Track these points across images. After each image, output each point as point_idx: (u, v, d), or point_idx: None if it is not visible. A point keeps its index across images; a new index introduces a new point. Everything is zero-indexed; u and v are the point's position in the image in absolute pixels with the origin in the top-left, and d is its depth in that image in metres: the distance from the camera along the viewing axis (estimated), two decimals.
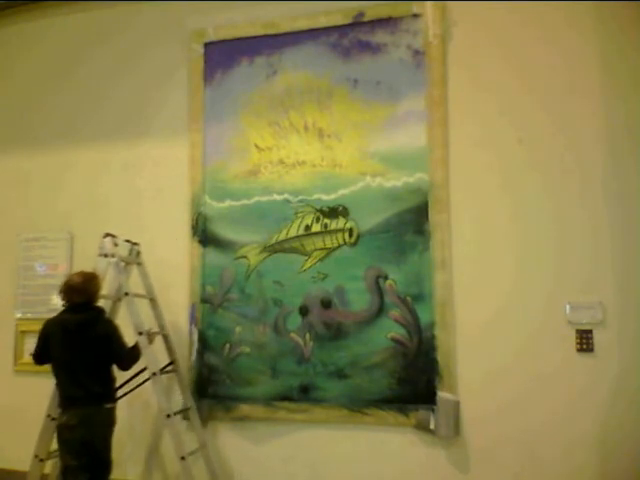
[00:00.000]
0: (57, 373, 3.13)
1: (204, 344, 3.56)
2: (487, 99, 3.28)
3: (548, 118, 3.18)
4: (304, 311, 3.42)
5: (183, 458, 3.13)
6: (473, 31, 3.34)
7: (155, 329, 3.41)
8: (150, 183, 3.84)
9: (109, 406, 3.13)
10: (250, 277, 3.54)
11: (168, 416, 3.17)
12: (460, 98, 3.31)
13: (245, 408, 3.44)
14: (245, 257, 3.56)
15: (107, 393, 3.14)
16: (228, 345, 3.53)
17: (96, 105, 4.04)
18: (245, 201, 3.60)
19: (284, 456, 3.39)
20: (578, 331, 3.02)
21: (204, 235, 3.64)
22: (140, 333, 3.18)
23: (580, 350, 3.01)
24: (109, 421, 3.15)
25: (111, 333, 3.14)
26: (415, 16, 3.39)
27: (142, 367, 3.26)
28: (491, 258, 3.19)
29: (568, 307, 3.05)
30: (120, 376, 3.28)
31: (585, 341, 3.01)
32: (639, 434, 2.91)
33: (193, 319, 3.59)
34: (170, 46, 3.89)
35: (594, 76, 3.14)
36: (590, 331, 3.01)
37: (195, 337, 3.56)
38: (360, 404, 3.27)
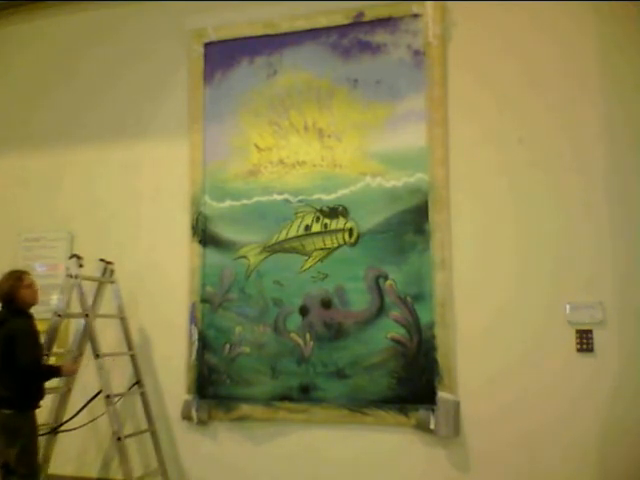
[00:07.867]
0: None
1: (204, 344, 3.56)
2: (487, 99, 3.28)
3: (549, 117, 3.18)
4: (304, 311, 3.42)
5: None
6: (473, 31, 3.35)
7: (122, 350, 3.51)
8: (150, 183, 3.84)
9: (7, 412, 2.91)
10: (250, 277, 3.53)
11: (119, 439, 3.19)
12: (460, 98, 3.31)
13: (245, 408, 3.44)
14: (245, 257, 3.56)
15: (8, 398, 2.92)
16: (228, 345, 3.52)
17: (96, 105, 4.04)
18: (245, 201, 3.59)
19: (284, 456, 3.39)
20: (578, 331, 3.02)
21: (204, 235, 3.63)
22: (97, 355, 3.21)
23: (580, 350, 3.01)
24: (10, 428, 2.90)
25: (15, 335, 2.95)
26: (415, 16, 3.39)
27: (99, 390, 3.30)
28: (491, 258, 3.19)
29: (568, 307, 3.05)
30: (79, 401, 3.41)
31: (585, 341, 3.00)
32: (639, 434, 2.91)
33: (193, 319, 3.58)
34: (170, 46, 3.89)
35: (595, 75, 3.14)
36: (590, 331, 3.01)
37: (195, 337, 3.56)
38: (360, 404, 3.27)
